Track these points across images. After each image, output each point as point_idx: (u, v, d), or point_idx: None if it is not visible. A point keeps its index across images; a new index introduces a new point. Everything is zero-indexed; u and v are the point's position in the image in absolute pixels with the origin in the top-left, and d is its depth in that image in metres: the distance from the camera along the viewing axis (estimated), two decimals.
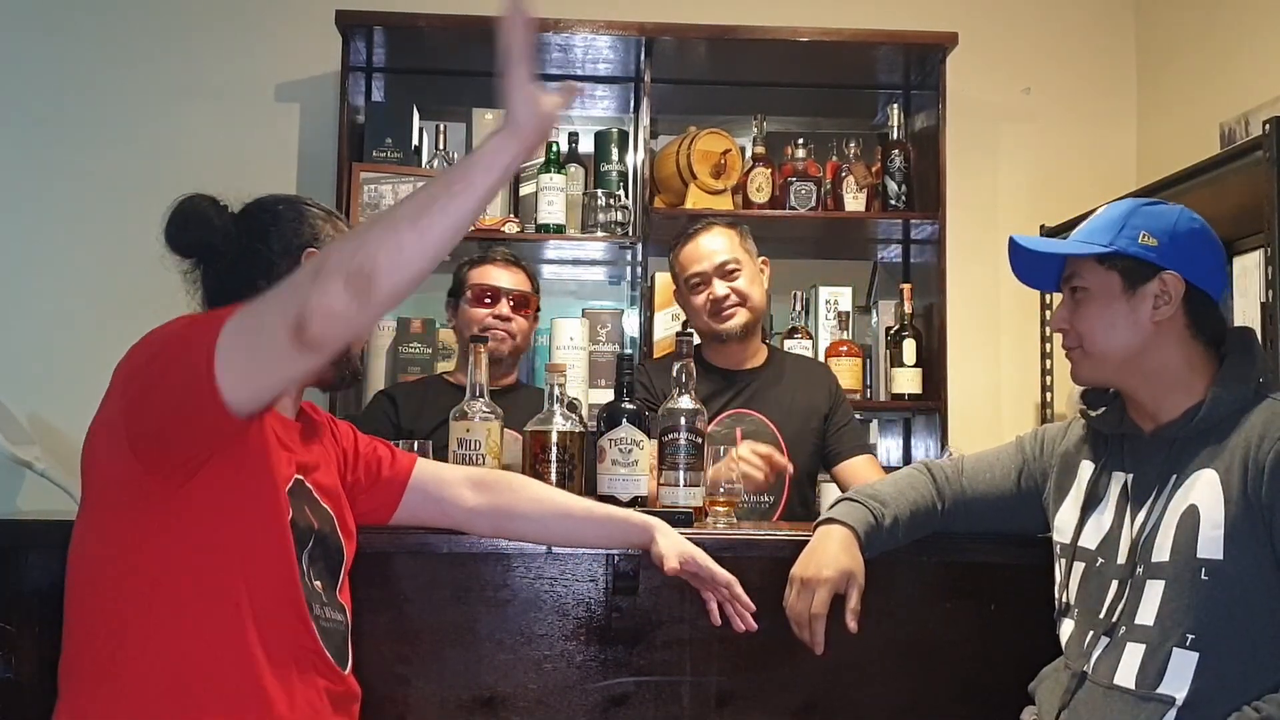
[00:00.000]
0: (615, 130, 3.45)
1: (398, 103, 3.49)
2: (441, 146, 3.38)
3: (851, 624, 1.70)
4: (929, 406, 3.34)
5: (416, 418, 2.60)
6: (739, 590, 1.72)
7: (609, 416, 2.04)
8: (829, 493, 2.77)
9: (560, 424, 1.99)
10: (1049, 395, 3.55)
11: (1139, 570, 1.60)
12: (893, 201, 3.39)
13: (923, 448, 3.46)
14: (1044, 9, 3.76)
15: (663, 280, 3.16)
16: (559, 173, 3.31)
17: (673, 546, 1.73)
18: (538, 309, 2.82)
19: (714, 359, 2.65)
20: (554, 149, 3.30)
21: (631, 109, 3.55)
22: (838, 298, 3.44)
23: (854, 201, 3.39)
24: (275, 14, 3.57)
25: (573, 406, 2.12)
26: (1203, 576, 1.54)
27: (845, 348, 3.35)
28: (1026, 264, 1.77)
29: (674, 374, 2.04)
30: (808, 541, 1.77)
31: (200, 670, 1.39)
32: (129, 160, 3.44)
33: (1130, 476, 1.68)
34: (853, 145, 3.44)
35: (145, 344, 1.39)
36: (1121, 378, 1.69)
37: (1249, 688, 1.51)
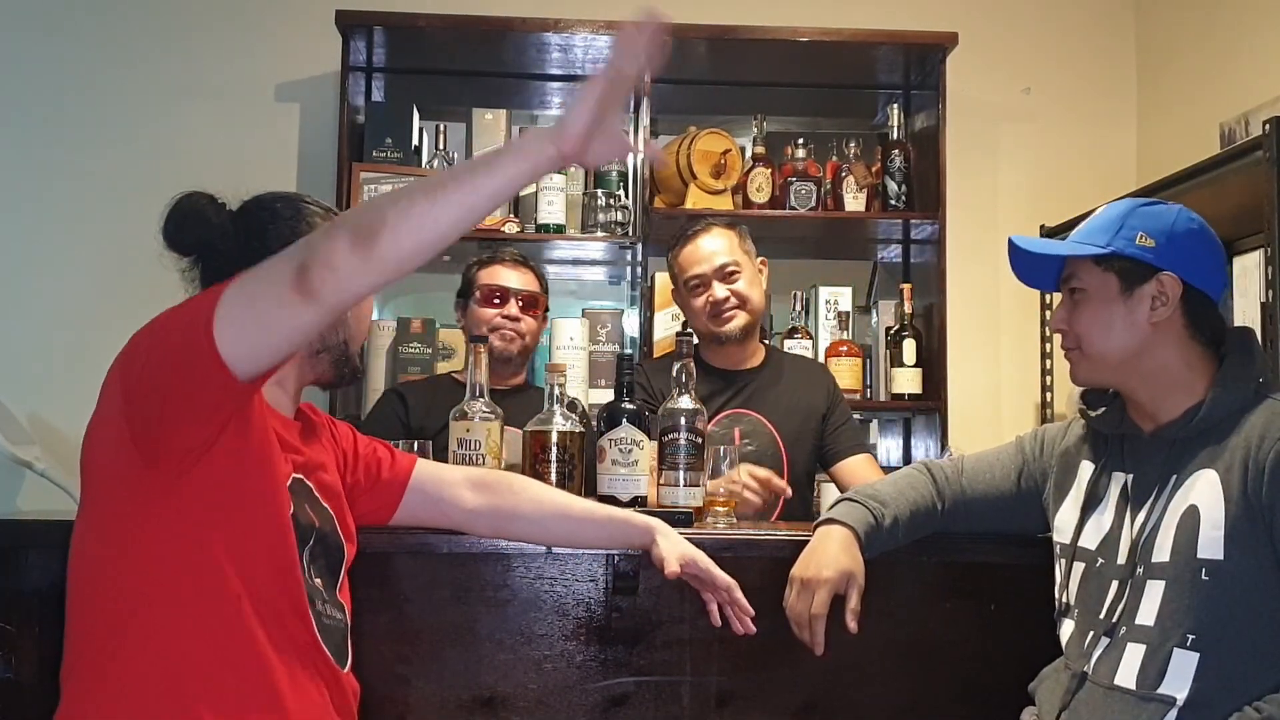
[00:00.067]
0: None
1: (398, 103, 3.49)
2: (441, 146, 3.38)
3: (851, 624, 1.70)
4: (929, 406, 3.34)
5: (426, 416, 2.61)
6: (738, 595, 1.72)
7: (609, 416, 2.03)
8: (828, 493, 2.77)
9: (560, 424, 1.98)
10: (1049, 395, 3.54)
11: (1139, 570, 1.60)
12: (893, 201, 3.39)
13: (923, 448, 3.46)
14: (1044, 9, 3.75)
15: (663, 280, 3.15)
16: (559, 172, 3.30)
17: (673, 549, 1.72)
18: (547, 309, 2.82)
19: (712, 359, 2.65)
20: None
21: (631, 109, 3.55)
22: (838, 298, 3.44)
23: (854, 201, 3.39)
24: (275, 14, 3.57)
25: (574, 406, 2.12)
26: (1203, 577, 1.54)
27: (845, 348, 3.35)
28: (1026, 264, 1.77)
29: (674, 374, 2.04)
30: (807, 542, 1.77)
31: (202, 668, 1.39)
32: (129, 160, 3.44)
33: (1130, 477, 1.68)
34: (853, 145, 3.43)
35: (143, 332, 1.39)
36: (1120, 378, 1.69)
37: (1250, 688, 1.51)
